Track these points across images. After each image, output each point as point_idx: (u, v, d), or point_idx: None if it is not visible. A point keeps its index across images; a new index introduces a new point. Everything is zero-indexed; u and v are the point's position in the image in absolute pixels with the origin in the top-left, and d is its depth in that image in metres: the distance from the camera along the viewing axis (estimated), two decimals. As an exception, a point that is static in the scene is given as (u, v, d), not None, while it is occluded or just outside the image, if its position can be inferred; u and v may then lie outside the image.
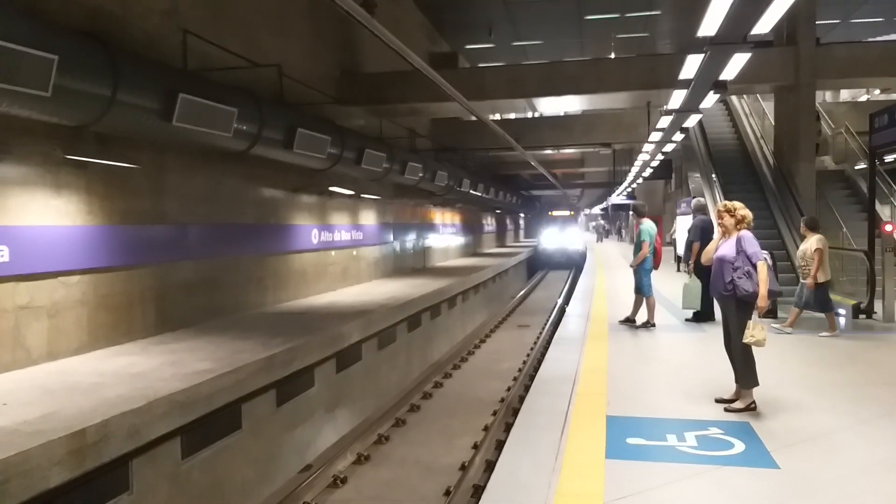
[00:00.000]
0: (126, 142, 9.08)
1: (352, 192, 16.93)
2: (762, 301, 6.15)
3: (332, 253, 16.41)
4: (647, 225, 11.06)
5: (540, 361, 9.60)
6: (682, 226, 18.58)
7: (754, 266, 6.21)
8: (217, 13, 11.46)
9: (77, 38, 7.39)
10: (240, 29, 12.11)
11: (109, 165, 8.80)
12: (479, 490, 7.70)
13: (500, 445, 8.75)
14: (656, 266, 11.11)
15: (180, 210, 10.51)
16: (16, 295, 7.62)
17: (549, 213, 49.98)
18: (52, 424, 5.66)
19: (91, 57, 7.38)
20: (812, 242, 10.28)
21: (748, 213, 6.52)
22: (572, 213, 50.44)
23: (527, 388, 8.47)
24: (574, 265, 40.42)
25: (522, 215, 62.54)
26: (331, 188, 15.68)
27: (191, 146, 10.22)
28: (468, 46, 27.68)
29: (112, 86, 7.54)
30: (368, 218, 19.06)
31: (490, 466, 8.31)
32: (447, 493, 7.95)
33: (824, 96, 26.65)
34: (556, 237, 47.41)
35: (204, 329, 10.51)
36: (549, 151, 32.27)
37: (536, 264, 45.19)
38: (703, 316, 11.18)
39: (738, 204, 6.60)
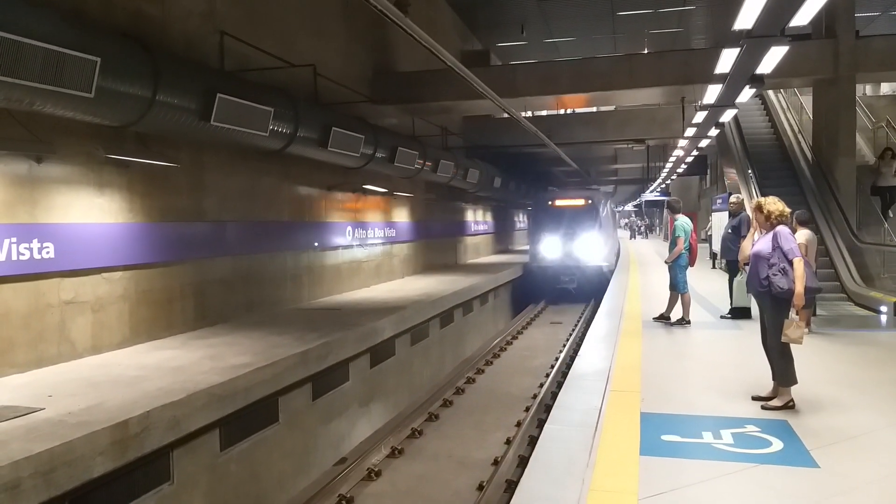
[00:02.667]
0: (166, 141, 9.27)
1: (385, 190, 17.04)
2: (798, 299, 6.02)
3: (366, 249, 16.55)
4: (682, 221, 10.96)
5: (573, 358, 9.58)
6: (718, 222, 18.34)
7: (790, 262, 6.09)
8: (253, 15, 11.63)
9: (119, 40, 7.58)
10: (275, 30, 12.26)
11: (150, 164, 9.00)
12: (512, 485, 7.72)
13: (532, 441, 8.75)
14: (692, 263, 11.01)
15: (218, 208, 10.70)
16: (61, 290, 7.85)
17: (550, 202, 26.26)
18: (96, 416, 5.81)
19: (132, 58, 7.56)
20: (798, 237, 10.09)
21: (775, 209, 6.31)
22: (589, 201, 25.82)
23: (559, 385, 8.47)
24: (594, 293, 22.23)
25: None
26: (364, 186, 15.81)
27: (228, 145, 10.40)
28: (500, 44, 27.65)
29: (152, 87, 7.71)
30: (401, 215, 19.17)
31: (523, 462, 8.33)
32: (480, 487, 7.98)
33: (864, 90, 26.03)
34: (560, 244, 24.92)
35: (241, 324, 10.68)
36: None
37: (526, 291, 24.93)
38: (739, 312, 11.05)
39: (769, 199, 6.43)
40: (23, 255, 7.32)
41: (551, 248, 24.58)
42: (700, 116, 16.44)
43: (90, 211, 8.29)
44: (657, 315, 11.18)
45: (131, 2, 8.86)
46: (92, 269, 8.25)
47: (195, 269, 10.12)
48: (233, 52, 10.67)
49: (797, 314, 6.11)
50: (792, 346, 6.15)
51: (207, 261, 10.39)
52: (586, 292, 23.51)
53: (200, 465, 6.90)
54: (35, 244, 7.47)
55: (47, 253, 7.60)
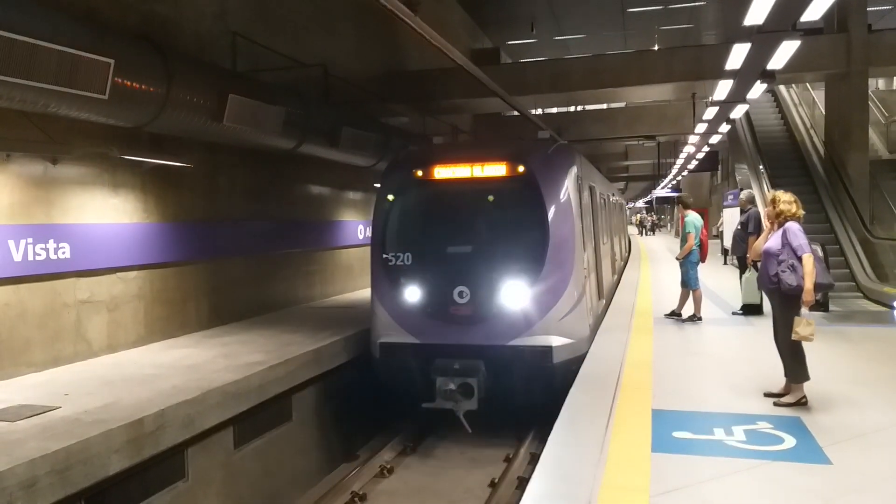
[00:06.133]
0: (179, 142, 9.35)
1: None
2: (807, 295, 5.97)
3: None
4: (693, 217, 10.91)
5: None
6: (729, 218, 18.25)
7: (799, 259, 6.06)
8: (265, 15, 11.69)
9: (132, 41, 7.65)
10: (287, 30, 12.32)
11: (164, 165, 9.08)
12: (524, 482, 7.72)
13: (544, 439, 8.70)
14: (703, 259, 10.96)
15: (231, 208, 10.78)
16: (77, 290, 7.94)
17: (421, 171, 9.08)
18: (112, 414, 5.88)
19: (146, 60, 7.63)
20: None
21: (788, 209, 6.21)
22: (522, 167, 8.72)
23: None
24: (534, 409, 8.57)
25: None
26: (376, 185, 15.83)
27: (241, 145, 10.46)
28: (510, 42, 27.58)
29: (166, 88, 7.77)
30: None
31: (535, 459, 8.33)
32: (492, 484, 7.99)
33: (877, 84, 25.82)
34: (441, 285, 8.74)
35: (255, 322, 10.75)
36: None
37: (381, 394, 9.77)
38: (751, 309, 11.00)
39: (784, 197, 6.33)
40: (39, 255, 7.41)
41: (417, 296, 8.91)
42: (711, 112, 16.37)
43: (105, 211, 8.38)
44: (669, 312, 11.15)
45: (144, 3, 8.92)
46: (107, 269, 8.34)
47: (209, 268, 10.20)
48: (245, 52, 10.73)
49: (808, 311, 6.08)
50: (803, 342, 6.12)
51: (221, 260, 10.47)
52: (513, 411, 9.30)
53: (215, 462, 6.96)
54: (51, 244, 7.56)
55: (63, 253, 7.68)
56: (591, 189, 11.05)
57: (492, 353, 8.40)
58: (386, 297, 8.95)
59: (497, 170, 8.80)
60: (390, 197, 9.18)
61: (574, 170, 9.16)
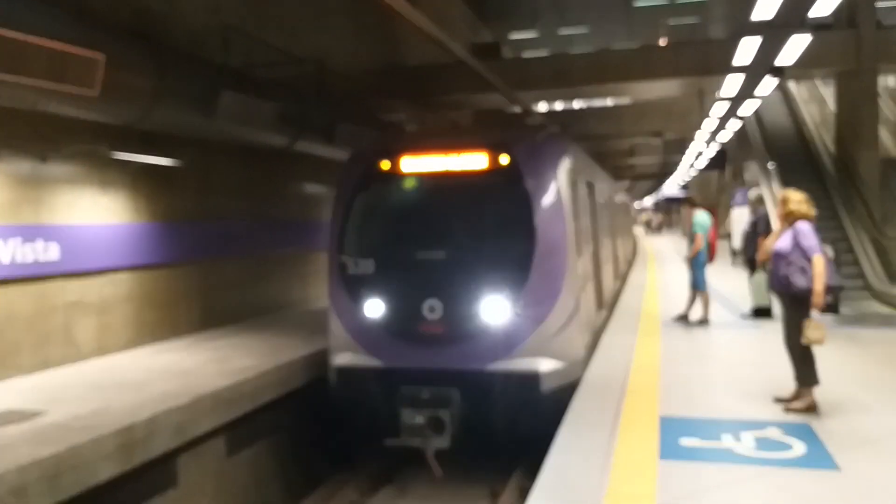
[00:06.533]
0: (171, 139, 9.21)
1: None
2: (818, 298, 5.82)
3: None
4: (701, 217, 10.73)
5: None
6: (738, 218, 18.06)
7: (810, 260, 5.89)
8: (259, 9, 11.56)
9: (123, 36, 7.54)
10: (281, 24, 12.18)
11: (155, 163, 8.94)
12: (526, 491, 7.52)
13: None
14: (711, 259, 10.78)
15: (224, 207, 10.65)
16: (66, 292, 7.82)
17: (388, 162, 7.80)
18: (102, 420, 5.77)
19: (137, 55, 7.52)
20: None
21: (799, 208, 6.06)
22: (505, 157, 7.50)
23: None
24: (522, 444, 7.25)
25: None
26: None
27: (234, 143, 10.33)
28: (512, 37, 27.44)
29: (157, 84, 7.64)
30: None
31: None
32: (494, 494, 7.80)
33: (887, 81, 25.58)
34: (409, 297, 7.44)
35: (248, 325, 10.63)
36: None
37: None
38: (761, 312, 10.82)
39: (795, 197, 6.17)
40: (27, 256, 7.30)
41: (380, 310, 7.56)
42: (719, 109, 16.19)
43: (95, 211, 8.26)
44: (676, 315, 10.97)
45: (136, -2, 8.79)
46: (97, 271, 8.23)
47: (201, 269, 10.07)
48: (238, 47, 10.57)
49: (819, 314, 5.91)
50: (814, 346, 5.96)
51: (213, 261, 10.34)
52: (495, 446, 7.71)
53: (207, 470, 6.82)
54: (40, 245, 7.44)
55: (52, 254, 7.58)
56: (590, 186, 9.85)
57: (468, 379, 7.11)
58: (344, 312, 7.61)
59: (476, 161, 7.51)
60: (350, 193, 7.88)
61: (567, 162, 7.90)
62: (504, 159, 7.40)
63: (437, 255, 7.38)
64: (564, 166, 7.76)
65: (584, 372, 7.31)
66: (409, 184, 7.76)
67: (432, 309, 7.19)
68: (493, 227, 7.49)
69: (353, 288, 7.53)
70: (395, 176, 7.71)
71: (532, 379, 7.01)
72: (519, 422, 7.02)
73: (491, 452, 7.69)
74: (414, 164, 7.68)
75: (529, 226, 7.21)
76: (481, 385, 7.07)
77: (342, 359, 7.53)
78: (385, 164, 7.71)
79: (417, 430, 6.89)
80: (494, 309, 7.11)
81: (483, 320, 7.12)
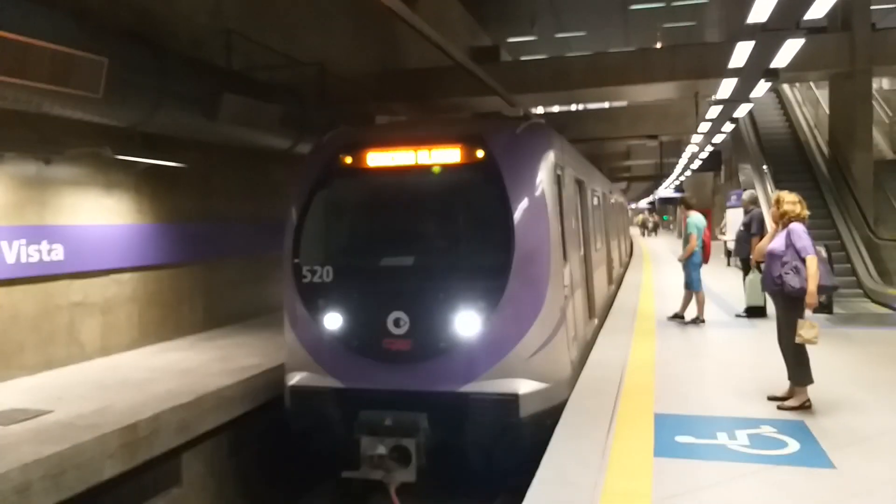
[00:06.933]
0: (174, 141, 9.27)
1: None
2: (811, 298, 5.89)
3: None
4: (696, 218, 10.80)
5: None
6: (733, 219, 18.15)
7: (803, 260, 5.98)
8: (260, 12, 11.61)
9: (126, 40, 7.58)
10: (282, 27, 12.24)
11: (158, 165, 9.00)
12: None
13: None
14: (705, 260, 10.87)
15: (227, 208, 10.70)
16: (70, 292, 7.87)
17: (349, 155, 6.93)
18: (106, 418, 5.82)
19: (139, 58, 7.56)
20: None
21: (792, 209, 6.13)
22: (481, 150, 6.63)
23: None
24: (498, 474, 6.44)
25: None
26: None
27: (236, 145, 10.38)
28: (510, 40, 27.51)
29: (159, 86, 7.69)
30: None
31: None
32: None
33: (881, 83, 25.73)
34: (372, 312, 6.52)
35: (251, 325, 10.67)
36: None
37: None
38: (754, 311, 10.91)
39: (788, 197, 6.24)
40: (32, 256, 7.35)
41: (339, 324, 6.64)
42: (714, 111, 16.30)
43: (99, 212, 8.31)
44: (671, 314, 11.06)
45: (138, 1, 8.84)
46: (101, 271, 8.28)
47: (204, 269, 10.12)
48: (240, 50, 10.64)
49: (812, 314, 5.99)
50: (807, 345, 6.04)
51: (216, 261, 10.40)
52: (468, 479, 6.77)
53: (210, 468, 6.86)
54: (44, 246, 7.50)
55: (56, 255, 7.63)
56: (580, 184, 9.17)
57: (437, 402, 6.20)
58: (300, 325, 6.74)
59: (448, 155, 6.62)
60: (308, 191, 6.94)
61: (551, 156, 7.02)
62: (479, 153, 6.56)
63: (403, 261, 6.62)
64: (548, 160, 6.92)
65: (570, 393, 6.54)
66: (373, 181, 6.97)
67: (398, 322, 6.32)
68: (468, 229, 6.89)
69: (310, 298, 6.63)
70: (358, 172, 6.85)
71: (510, 402, 6.14)
72: (495, 452, 6.20)
73: (464, 486, 6.68)
74: (379, 158, 6.80)
75: (507, 228, 6.34)
76: (452, 409, 6.17)
77: (297, 378, 6.64)
78: (347, 159, 6.82)
79: (378, 461, 6.04)
80: (468, 322, 6.23)
81: (455, 335, 6.23)
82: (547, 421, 5.92)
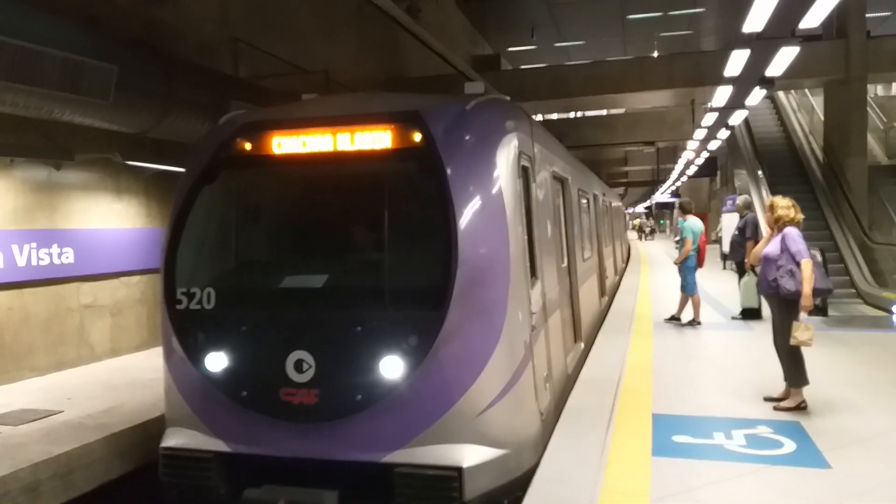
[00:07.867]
0: (182, 147, 9.36)
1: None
2: (806, 300, 5.97)
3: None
4: (692, 222, 10.91)
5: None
6: (729, 223, 18.28)
7: (798, 264, 6.09)
8: (266, 21, 11.74)
9: (134, 47, 7.69)
10: (288, 36, 12.35)
11: (166, 170, 9.10)
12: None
13: None
14: (700, 264, 10.97)
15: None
16: (80, 294, 7.98)
17: (248, 139, 5.02)
18: (115, 418, 5.91)
19: (148, 66, 7.66)
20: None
21: (786, 214, 6.22)
22: (418, 134, 4.72)
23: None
24: None
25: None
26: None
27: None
28: (510, 49, 27.66)
29: (168, 93, 7.80)
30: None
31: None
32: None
33: (875, 90, 25.92)
34: (272, 354, 4.64)
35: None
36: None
37: None
38: (750, 313, 11.02)
39: (782, 202, 6.32)
40: (43, 260, 7.45)
41: (224, 366, 4.77)
42: (710, 118, 16.44)
43: (108, 216, 8.42)
44: (668, 316, 11.16)
45: (146, 9, 8.96)
46: (110, 274, 8.39)
47: (210, 272, 10.19)
48: (246, 58, 10.78)
49: (807, 316, 6.09)
50: (803, 347, 6.14)
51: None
52: None
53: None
54: (55, 249, 7.60)
55: (67, 258, 7.73)
56: (563, 182, 7.61)
57: (352, 477, 4.56)
58: (176, 366, 5.02)
59: (374, 139, 4.78)
60: (190, 187, 5.16)
61: (514, 142, 5.14)
62: (415, 136, 4.75)
63: (310, 282, 4.93)
64: (509, 147, 5.05)
65: (538, 458, 4.88)
66: (275, 174, 5.27)
67: (300, 366, 4.56)
68: (397, 239, 4.88)
69: (187, 330, 4.89)
70: (256, 162, 5.09)
71: (450, 478, 4.39)
72: None
73: None
74: (285, 144, 4.95)
75: (447, 237, 4.51)
76: (372, 487, 4.51)
77: (172, 437, 4.96)
78: (245, 145, 5.05)
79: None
80: (395, 367, 4.45)
81: (377, 385, 4.47)
82: (503, 501, 4.55)
